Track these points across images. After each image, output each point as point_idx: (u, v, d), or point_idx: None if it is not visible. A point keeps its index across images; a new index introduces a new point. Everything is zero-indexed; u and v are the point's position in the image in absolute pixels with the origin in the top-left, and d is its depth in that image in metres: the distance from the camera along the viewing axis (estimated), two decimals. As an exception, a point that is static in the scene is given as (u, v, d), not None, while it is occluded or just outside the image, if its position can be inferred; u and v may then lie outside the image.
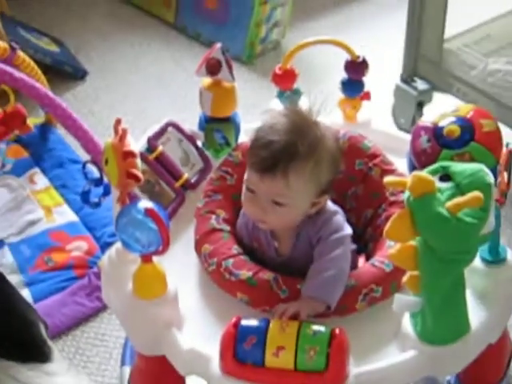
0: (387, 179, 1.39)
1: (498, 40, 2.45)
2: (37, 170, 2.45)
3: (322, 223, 1.54)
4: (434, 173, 1.35)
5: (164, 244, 1.35)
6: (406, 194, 1.29)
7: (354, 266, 1.56)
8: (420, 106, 2.46)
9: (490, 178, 1.34)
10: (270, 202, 1.47)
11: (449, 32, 2.37)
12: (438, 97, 2.47)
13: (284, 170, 1.44)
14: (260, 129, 1.51)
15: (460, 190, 1.31)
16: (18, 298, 1.28)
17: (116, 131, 1.47)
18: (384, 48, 2.70)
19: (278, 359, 1.33)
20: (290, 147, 1.45)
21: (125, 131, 1.46)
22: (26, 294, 2.04)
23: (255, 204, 1.50)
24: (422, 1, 2.32)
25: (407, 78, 2.48)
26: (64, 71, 2.82)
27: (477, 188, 1.29)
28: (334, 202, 1.62)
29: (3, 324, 1.24)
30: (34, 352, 1.24)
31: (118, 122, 1.48)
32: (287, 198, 1.47)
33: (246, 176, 1.52)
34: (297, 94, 1.88)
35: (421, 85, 2.45)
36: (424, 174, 1.31)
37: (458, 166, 1.36)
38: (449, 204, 1.27)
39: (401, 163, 1.71)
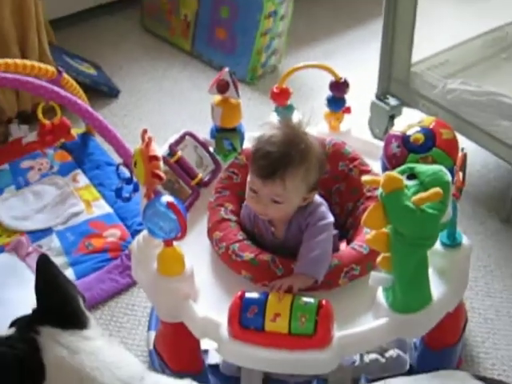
0: (364, 178, 1.41)
1: (455, 65, 2.44)
2: (79, 171, 2.44)
3: (309, 212, 1.56)
4: (402, 172, 1.36)
5: (182, 231, 1.38)
6: (380, 190, 1.31)
7: (335, 248, 1.58)
8: (391, 118, 2.46)
9: (449, 177, 1.36)
10: (270, 200, 1.50)
11: (415, 58, 2.37)
12: (406, 111, 2.47)
13: (281, 176, 1.47)
14: (259, 141, 1.53)
15: (424, 186, 1.33)
16: (61, 276, 1.29)
17: (143, 139, 1.48)
18: (362, 71, 2.70)
19: (275, 324, 1.35)
20: (285, 157, 1.47)
21: (150, 139, 1.48)
22: (70, 272, 2.07)
23: (258, 202, 1.52)
24: (392, 33, 2.33)
25: (381, 95, 2.48)
26: (101, 90, 2.82)
27: (437, 185, 1.31)
28: (322, 196, 1.64)
29: (49, 297, 1.25)
30: (74, 320, 1.25)
31: (145, 131, 1.50)
32: (284, 197, 1.50)
33: (249, 179, 1.54)
34: (291, 109, 1.88)
35: (392, 101, 2.46)
36: (394, 173, 1.33)
37: (421, 167, 1.38)
38: (414, 198, 1.29)
39: (375, 165, 1.73)
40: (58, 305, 1.24)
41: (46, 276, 1.25)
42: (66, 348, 1.19)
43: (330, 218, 1.57)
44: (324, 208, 1.59)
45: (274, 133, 1.52)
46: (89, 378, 1.16)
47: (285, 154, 1.48)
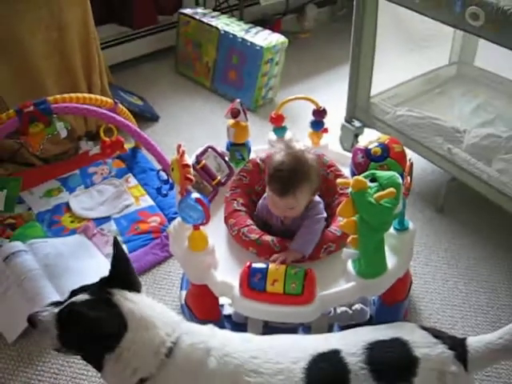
0: (339, 180, 1.42)
1: (402, 97, 2.43)
2: (130, 174, 2.43)
3: (311, 207, 1.55)
4: (366, 177, 1.36)
5: (207, 219, 1.39)
6: (350, 189, 1.31)
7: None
8: (356, 136, 2.45)
9: (400, 180, 1.36)
10: (286, 208, 1.50)
11: (373, 92, 2.36)
12: (367, 130, 2.46)
13: (293, 193, 1.47)
14: (272, 168, 1.50)
15: (382, 187, 1.33)
16: (125, 255, 1.29)
17: (178, 151, 1.49)
18: (335, 101, 2.68)
19: (273, 287, 1.36)
20: (293, 178, 1.46)
21: (183, 152, 1.48)
22: (124, 248, 2.07)
23: (277, 208, 1.52)
24: (357, 74, 2.32)
25: (348, 119, 2.47)
26: (146, 116, 2.81)
27: (392, 186, 1.31)
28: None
29: (121, 269, 1.25)
30: (133, 286, 1.25)
31: (179, 146, 1.50)
32: (296, 205, 1.50)
33: (269, 192, 1.52)
34: (284, 129, 1.88)
35: (357, 123, 2.44)
36: (360, 177, 1.33)
37: (380, 173, 1.38)
38: (375, 195, 1.30)
39: (346, 171, 1.73)
40: (124, 274, 1.24)
41: (117, 253, 1.25)
42: (133, 303, 1.19)
43: (324, 214, 1.57)
44: (321, 206, 1.58)
45: (283, 160, 1.49)
46: (149, 322, 1.17)
47: (293, 177, 1.47)
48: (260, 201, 1.66)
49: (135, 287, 1.25)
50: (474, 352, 1.18)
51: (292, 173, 1.47)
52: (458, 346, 1.19)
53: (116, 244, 1.27)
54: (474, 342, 1.20)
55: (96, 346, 1.15)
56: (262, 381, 1.15)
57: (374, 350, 1.18)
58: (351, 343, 1.21)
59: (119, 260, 1.25)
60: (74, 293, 1.22)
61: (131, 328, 1.16)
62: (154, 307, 1.23)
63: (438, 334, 1.23)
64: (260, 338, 1.29)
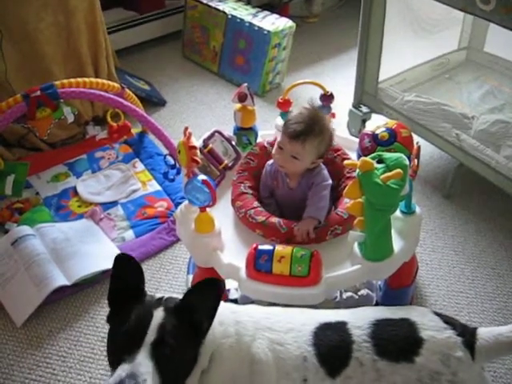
0: (346, 162, 1.42)
1: (410, 82, 2.43)
2: (137, 159, 2.45)
3: (316, 173, 1.59)
4: (373, 158, 1.36)
5: (213, 201, 1.39)
6: (357, 171, 1.31)
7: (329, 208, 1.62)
8: (364, 121, 2.45)
9: (407, 162, 1.36)
10: (290, 156, 1.54)
11: (381, 77, 2.35)
12: (374, 116, 2.46)
13: (303, 139, 1.52)
14: (292, 115, 1.58)
15: (389, 168, 1.33)
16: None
17: (185, 134, 1.49)
18: (343, 87, 2.69)
19: (280, 265, 1.36)
20: (309, 127, 1.52)
21: (190, 134, 1.49)
22: (131, 233, 2.08)
23: (281, 156, 1.56)
24: (365, 59, 2.32)
25: (356, 105, 2.47)
26: (152, 101, 2.81)
27: (399, 167, 1.32)
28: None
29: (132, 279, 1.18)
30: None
31: (186, 128, 1.51)
32: (301, 155, 1.54)
33: (279, 139, 1.58)
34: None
35: (364, 109, 2.44)
36: (367, 158, 1.33)
37: (387, 154, 1.38)
38: (382, 176, 1.30)
39: (353, 155, 1.73)
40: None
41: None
42: None
43: (330, 180, 1.62)
44: (326, 171, 1.63)
45: (304, 111, 1.57)
46: None
47: (308, 126, 1.53)
48: (266, 167, 1.69)
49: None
50: (482, 341, 1.18)
51: (309, 121, 1.53)
52: (467, 334, 1.20)
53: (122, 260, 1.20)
54: (484, 332, 1.20)
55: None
56: (276, 337, 1.21)
57: (380, 326, 1.21)
58: (359, 317, 1.25)
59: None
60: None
61: None
62: None
63: (449, 321, 1.24)
64: (268, 307, 1.34)
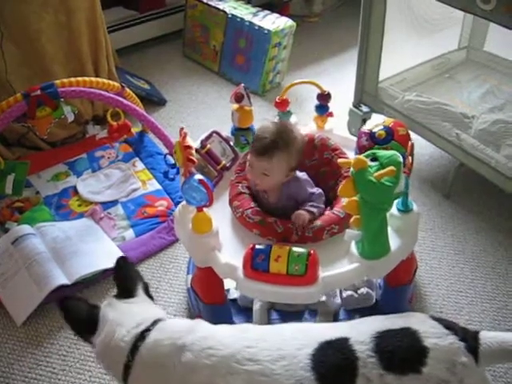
0: (340, 160, 1.40)
1: (410, 82, 2.43)
2: (137, 158, 2.45)
3: (294, 186, 1.59)
4: (367, 156, 1.36)
5: (210, 200, 1.39)
6: (351, 169, 1.31)
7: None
8: (364, 121, 2.43)
9: (400, 159, 1.35)
10: (261, 173, 1.53)
11: (381, 77, 2.35)
12: (375, 116, 2.43)
13: (269, 156, 1.50)
14: (258, 130, 1.57)
15: (382, 166, 1.33)
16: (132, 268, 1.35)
17: (180, 134, 1.50)
18: (343, 86, 2.69)
19: (277, 264, 1.36)
20: (273, 143, 1.50)
21: (185, 134, 1.48)
22: (131, 232, 2.09)
23: (253, 174, 1.55)
24: (365, 58, 2.32)
25: (356, 104, 2.47)
26: (153, 100, 2.82)
27: (392, 165, 1.31)
28: (312, 177, 1.65)
29: (126, 280, 1.32)
30: (128, 294, 1.30)
31: (182, 128, 1.51)
32: (270, 171, 1.52)
33: (248, 157, 1.57)
34: (289, 114, 1.87)
35: (364, 108, 2.44)
36: (361, 156, 1.33)
37: (381, 152, 1.38)
38: (375, 174, 1.30)
39: (350, 154, 1.71)
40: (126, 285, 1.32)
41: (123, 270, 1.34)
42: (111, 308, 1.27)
43: (312, 189, 1.62)
44: (304, 180, 1.62)
45: (269, 125, 1.55)
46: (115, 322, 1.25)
47: (273, 141, 1.51)
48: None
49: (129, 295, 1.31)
50: (485, 346, 1.16)
51: (274, 136, 1.51)
52: (469, 338, 1.18)
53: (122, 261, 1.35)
54: (488, 337, 1.18)
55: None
56: (261, 368, 1.14)
57: (383, 339, 1.17)
58: (360, 331, 1.20)
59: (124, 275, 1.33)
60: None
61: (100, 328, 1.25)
62: (130, 309, 1.27)
63: (449, 325, 1.21)
64: (260, 327, 1.28)
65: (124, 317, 1.24)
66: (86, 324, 1.25)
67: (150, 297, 1.35)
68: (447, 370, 1.13)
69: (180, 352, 1.17)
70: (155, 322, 1.24)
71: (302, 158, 1.63)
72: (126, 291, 1.30)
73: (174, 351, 1.17)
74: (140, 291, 1.31)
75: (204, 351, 1.17)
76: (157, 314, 1.29)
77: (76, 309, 1.26)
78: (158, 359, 1.17)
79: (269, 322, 1.68)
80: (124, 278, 1.31)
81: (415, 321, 1.22)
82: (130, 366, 1.18)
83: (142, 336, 1.20)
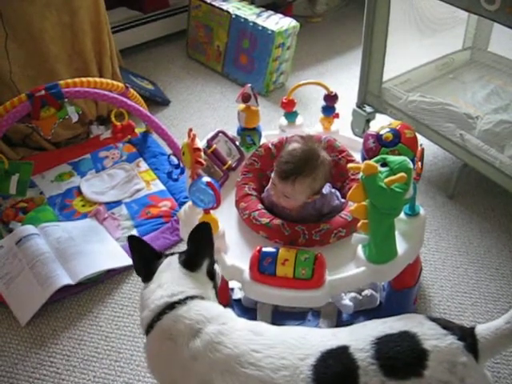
0: (350, 165, 1.41)
1: (414, 82, 2.41)
2: (141, 159, 2.44)
3: (318, 204, 1.59)
4: (377, 162, 1.35)
5: (217, 203, 1.39)
6: (361, 174, 1.30)
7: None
8: (368, 121, 2.43)
9: (411, 165, 1.35)
10: (283, 195, 1.52)
11: (385, 77, 2.34)
12: (378, 116, 2.44)
13: (293, 181, 1.48)
14: (285, 151, 1.54)
15: (393, 172, 1.32)
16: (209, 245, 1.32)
17: (189, 135, 1.49)
18: (346, 87, 2.68)
19: (284, 267, 1.35)
20: (298, 168, 1.48)
21: (194, 136, 1.48)
22: (134, 232, 2.08)
23: (276, 194, 1.54)
24: (369, 59, 2.31)
25: (360, 104, 2.45)
26: (156, 101, 2.81)
27: (403, 171, 1.30)
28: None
29: (197, 253, 1.29)
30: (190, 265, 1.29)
31: (190, 130, 1.51)
32: (292, 195, 1.51)
33: (273, 175, 1.55)
34: (295, 114, 1.87)
35: (368, 109, 2.42)
36: (371, 162, 1.32)
37: (391, 158, 1.37)
38: (386, 180, 1.29)
39: (357, 156, 1.71)
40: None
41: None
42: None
43: (335, 202, 1.61)
44: (328, 197, 1.61)
45: (296, 148, 1.52)
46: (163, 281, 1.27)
47: (298, 167, 1.49)
48: (267, 188, 1.66)
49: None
50: (483, 340, 1.16)
51: (300, 162, 1.49)
52: (467, 336, 1.17)
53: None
54: (483, 329, 1.18)
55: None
56: (260, 374, 1.13)
57: (383, 345, 1.16)
58: (359, 338, 1.19)
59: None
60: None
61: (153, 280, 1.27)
62: (180, 277, 1.27)
63: (447, 325, 1.20)
64: (273, 331, 1.25)
65: (169, 282, 1.25)
66: (144, 272, 1.30)
67: (212, 274, 1.32)
68: (448, 370, 1.13)
69: (193, 336, 1.18)
70: (192, 298, 1.24)
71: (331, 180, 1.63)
72: (190, 262, 1.28)
73: (188, 332, 1.18)
74: (203, 268, 1.29)
75: (212, 344, 1.16)
76: (198, 292, 1.27)
77: (141, 253, 1.31)
78: (173, 333, 1.19)
79: (272, 322, 1.66)
80: (196, 250, 1.29)
81: (413, 323, 1.21)
82: (152, 327, 1.21)
83: (173, 306, 1.21)
